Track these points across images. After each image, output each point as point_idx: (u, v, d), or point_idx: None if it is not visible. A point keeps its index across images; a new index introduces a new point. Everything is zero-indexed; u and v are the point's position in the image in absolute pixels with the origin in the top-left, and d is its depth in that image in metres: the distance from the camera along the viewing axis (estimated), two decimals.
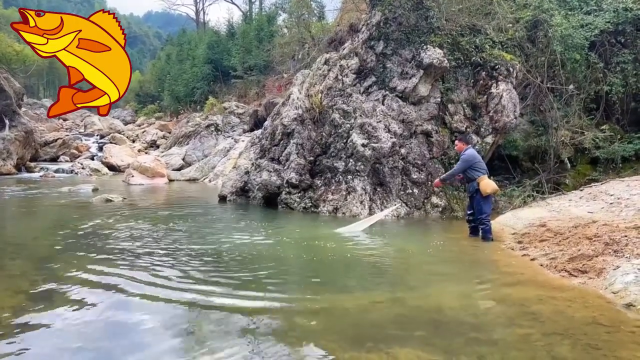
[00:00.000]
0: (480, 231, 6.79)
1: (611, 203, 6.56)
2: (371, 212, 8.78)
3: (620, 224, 5.48)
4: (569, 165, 11.20)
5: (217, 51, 33.86)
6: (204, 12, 60.31)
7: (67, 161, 22.73)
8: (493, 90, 10.10)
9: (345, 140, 9.55)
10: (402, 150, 9.50)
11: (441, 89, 10.20)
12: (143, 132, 32.12)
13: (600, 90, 11.37)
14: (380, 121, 9.52)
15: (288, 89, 13.56)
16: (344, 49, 11.22)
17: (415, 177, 9.43)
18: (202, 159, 20.86)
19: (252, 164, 11.05)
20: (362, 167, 9.22)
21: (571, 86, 11.38)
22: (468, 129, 10.00)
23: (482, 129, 10.07)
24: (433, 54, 9.70)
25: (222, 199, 11.12)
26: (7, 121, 18.85)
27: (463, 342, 3.11)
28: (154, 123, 34.78)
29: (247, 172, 11.02)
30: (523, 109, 11.21)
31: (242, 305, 3.78)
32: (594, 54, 11.38)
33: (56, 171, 19.69)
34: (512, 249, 6.07)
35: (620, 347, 3.05)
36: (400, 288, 4.48)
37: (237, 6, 44.13)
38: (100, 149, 24.95)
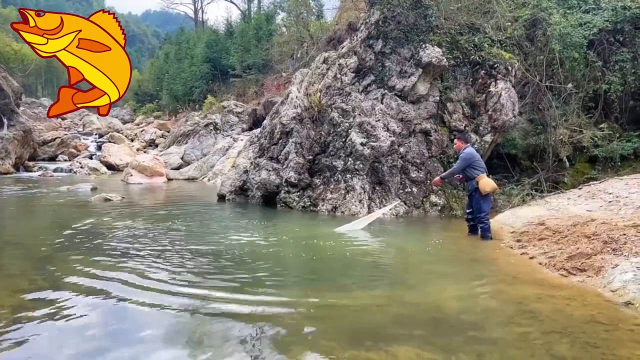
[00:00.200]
0: (479, 230, 6.80)
1: (610, 201, 6.57)
2: (370, 211, 8.78)
3: (619, 222, 5.49)
4: (567, 163, 11.21)
5: (216, 50, 33.81)
6: (202, 11, 60.34)
7: (65, 160, 22.67)
8: (492, 88, 10.10)
9: (344, 139, 9.55)
10: (401, 149, 9.50)
11: (440, 87, 10.20)
12: (142, 131, 32.05)
13: (598, 88, 11.38)
14: (379, 120, 9.52)
15: (287, 88, 13.56)
16: (342, 48, 11.22)
17: (414, 175, 9.44)
18: (201, 158, 20.84)
19: (251, 163, 11.05)
20: (361, 166, 9.22)
21: (570, 85, 11.39)
22: (467, 128, 10.00)
23: (480, 128, 10.07)
24: (432, 53, 9.71)
25: (221, 198, 11.11)
26: (5, 120, 18.81)
27: (462, 341, 3.12)
28: (153, 122, 34.72)
29: (246, 171, 11.02)
30: (522, 108, 11.21)
31: (241, 305, 3.78)
32: (593, 52, 11.38)
33: (55, 170, 19.65)
34: (511, 248, 6.08)
35: (618, 345, 3.06)
36: (399, 287, 4.49)
37: (236, 5, 44.03)
38: (99, 148, 24.89)
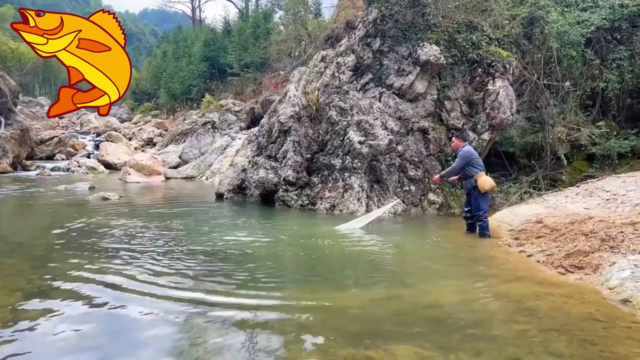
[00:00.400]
0: (478, 228, 6.81)
1: (607, 199, 6.58)
2: (368, 210, 8.79)
3: (617, 220, 5.50)
4: (565, 161, 11.23)
5: (214, 48, 33.75)
6: (200, 10, 60.29)
7: (63, 159, 22.62)
8: (490, 87, 10.11)
9: (342, 138, 9.54)
10: (399, 148, 9.50)
11: (438, 85, 10.21)
12: (139, 130, 31.98)
13: (596, 86, 11.40)
14: (377, 118, 9.52)
15: (285, 87, 13.55)
16: (340, 46, 11.21)
17: (412, 174, 9.44)
18: (199, 156, 20.82)
19: (249, 161, 11.04)
20: (359, 164, 9.22)
21: (567, 83, 11.40)
22: (465, 126, 10.01)
23: (478, 126, 10.08)
24: (430, 51, 9.70)
25: (219, 196, 11.11)
26: (2, 119, 18.76)
27: (460, 338, 3.13)
28: (151, 121, 34.65)
29: (244, 170, 11.01)
30: (519, 106, 11.23)
31: (239, 304, 3.78)
32: (590, 50, 11.40)
33: (52, 169, 19.59)
34: (509, 246, 6.09)
35: (616, 342, 3.07)
36: (397, 285, 4.50)
37: (234, 3, 43.97)
38: (97, 147, 24.82)
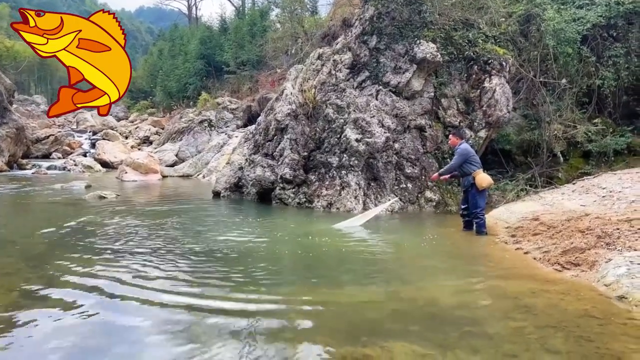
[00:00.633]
0: (475, 225, 6.82)
1: (603, 196, 6.60)
2: (365, 207, 8.80)
3: (613, 216, 5.52)
4: (561, 158, 11.27)
5: (210, 46, 33.70)
6: (196, 7, 60.04)
7: (59, 158, 22.52)
8: (486, 84, 10.12)
9: (339, 136, 9.54)
10: (396, 145, 9.51)
11: (434, 83, 10.22)
12: (136, 128, 31.90)
13: (592, 84, 11.43)
14: (373, 116, 9.52)
15: (281, 84, 13.54)
16: (337, 44, 11.20)
17: (409, 171, 9.45)
18: (196, 154, 20.80)
19: (246, 159, 11.02)
20: (356, 162, 9.23)
21: (564, 80, 11.43)
22: (461, 124, 10.03)
23: (475, 123, 10.10)
24: (426, 49, 9.71)
25: (216, 194, 11.10)
26: None
27: (457, 336, 3.13)
28: (147, 119, 34.60)
29: (240, 168, 11.00)
30: (516, 103, 11.25)
31: (236, 302, 3.78)
32: (586, 47, 11.43)
33: (48, 168, 19.54)
34: (506, 243, 6.10)
35: (612, 339, 3.08)
36: (395, 282, 4.50)
37: (230, 1, 43.93)
38: (93, 145, 24.75)
